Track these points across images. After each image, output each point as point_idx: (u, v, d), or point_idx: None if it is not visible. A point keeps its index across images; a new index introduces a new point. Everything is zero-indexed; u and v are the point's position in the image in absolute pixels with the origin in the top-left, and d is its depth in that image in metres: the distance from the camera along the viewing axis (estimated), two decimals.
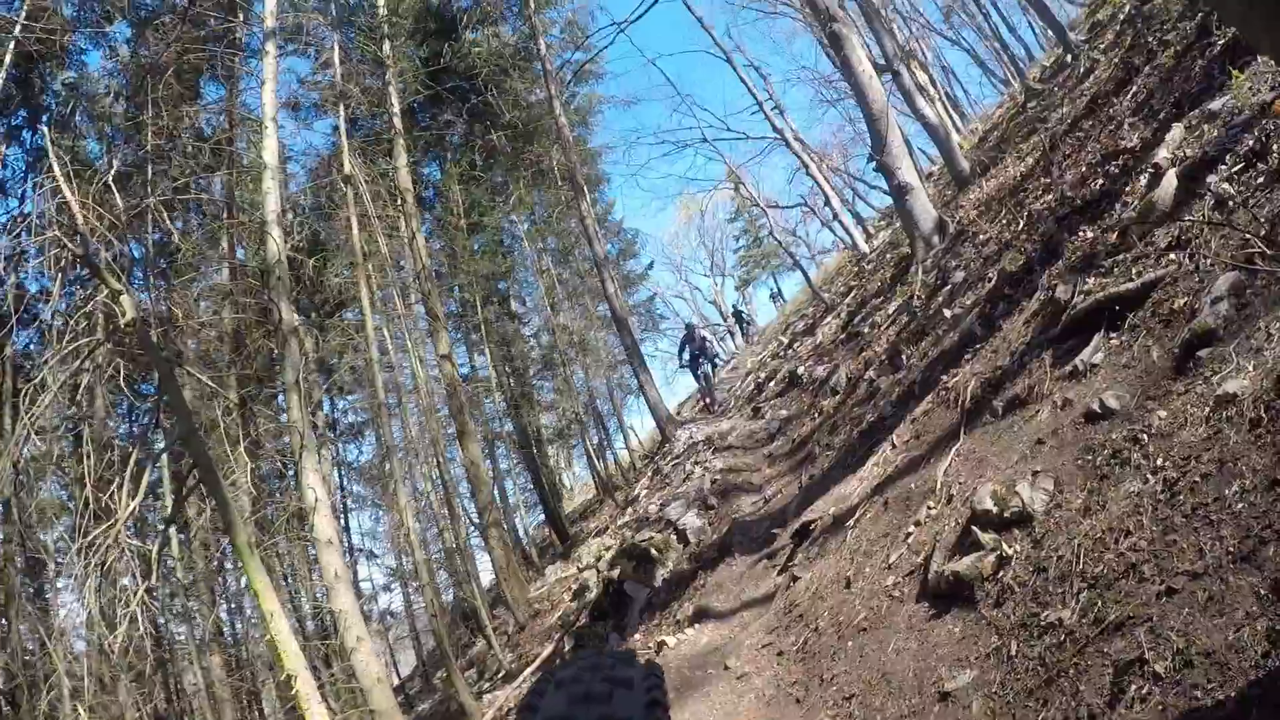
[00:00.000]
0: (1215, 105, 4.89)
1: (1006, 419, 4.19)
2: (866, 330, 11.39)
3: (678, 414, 21.49)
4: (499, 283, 21.55)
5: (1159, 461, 2.75)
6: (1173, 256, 3.92)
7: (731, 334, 37.10)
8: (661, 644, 6.20)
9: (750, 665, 4.68)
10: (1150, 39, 8.58)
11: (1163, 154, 4.95)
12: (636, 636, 7.46)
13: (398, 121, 15.00)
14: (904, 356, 7.94)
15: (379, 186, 13.16)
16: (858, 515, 5.09)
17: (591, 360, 22.71)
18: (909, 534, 4.13)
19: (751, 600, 5.90)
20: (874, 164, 14.62)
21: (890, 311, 10.86)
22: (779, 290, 41.20)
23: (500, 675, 10.91)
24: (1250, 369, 2.70)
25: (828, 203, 24.13)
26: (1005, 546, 3.12)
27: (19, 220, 6.13)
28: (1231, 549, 2.21)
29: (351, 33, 16.09)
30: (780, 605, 5.16)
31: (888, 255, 15.96)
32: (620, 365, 25.30)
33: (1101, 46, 12.79)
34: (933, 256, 10.60)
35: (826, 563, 4.93)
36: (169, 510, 6.89)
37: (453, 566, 15.82)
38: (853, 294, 16.28)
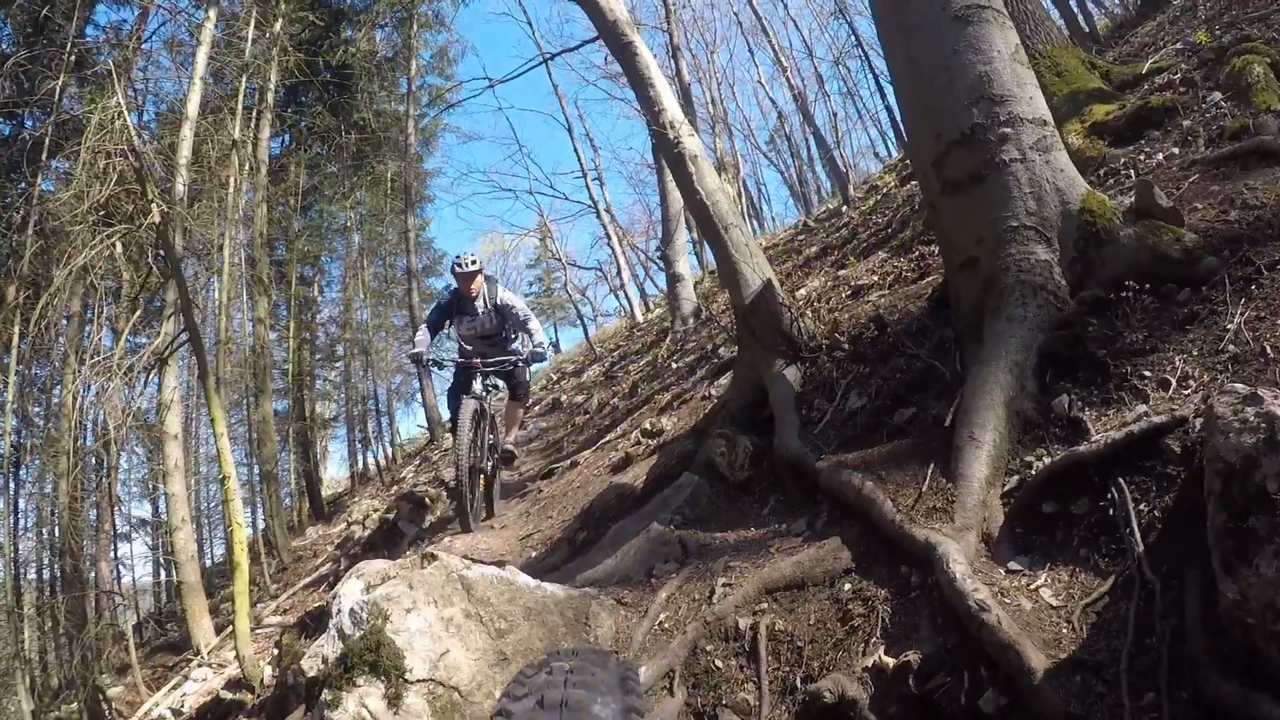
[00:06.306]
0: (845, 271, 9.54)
1: (675, 409, 8.34)
2: (620, 375, 15.63)
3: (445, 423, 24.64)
4: (308, 267, 23.91)
5: None
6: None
7: None
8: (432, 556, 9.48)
9: (510, 525, 8.36)
10: (877, 218, 13.76)
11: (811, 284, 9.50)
12: (408, 553, 10.52)
13: (270, 97, 17.42)
14: (639, 389, 12.15)
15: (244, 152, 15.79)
16: (584, 460, 9.01)
17: (375, 360, 25.43)
18: (611, 455, 8.09)
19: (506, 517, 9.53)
20: (659, 253, 19.27)
21: (642, 364, 15.19)
22: (557, 340, 45.87)
23: (268, 597, 13.49)
24: None
25: (619, 273, 28.08)
26: (649, 442, 7.15)
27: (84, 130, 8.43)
28: None
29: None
30: (528, 504, 8.91)
31: (655, 328, 20.58)
32: (396, 373, 28.13)
33: (861, 209, 17.99)
34: (684, 332, 15.11)
35: (562, 480, 8.76)
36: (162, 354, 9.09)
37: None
38: (618, 350, 20.68)
